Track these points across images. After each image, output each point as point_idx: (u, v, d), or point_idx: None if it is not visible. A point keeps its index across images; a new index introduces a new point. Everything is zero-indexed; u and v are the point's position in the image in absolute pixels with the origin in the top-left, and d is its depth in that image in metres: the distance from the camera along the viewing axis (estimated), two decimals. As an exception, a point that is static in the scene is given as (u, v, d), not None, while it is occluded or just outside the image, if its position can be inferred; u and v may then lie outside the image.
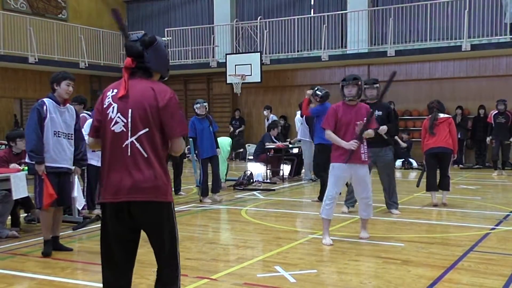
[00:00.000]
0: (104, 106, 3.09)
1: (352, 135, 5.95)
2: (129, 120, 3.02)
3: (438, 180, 8.69)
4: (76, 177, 5.96)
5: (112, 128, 3.04)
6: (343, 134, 5.96)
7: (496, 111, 13.18)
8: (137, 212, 3.04)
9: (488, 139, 13.41)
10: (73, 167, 5.89)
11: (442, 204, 8.67)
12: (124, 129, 3.03)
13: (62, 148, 5.68)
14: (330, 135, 6.03)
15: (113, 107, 3.05)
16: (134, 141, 3.02)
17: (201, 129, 9.22)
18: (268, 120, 15.60)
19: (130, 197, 2.99)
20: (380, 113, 7.55)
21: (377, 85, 7.66)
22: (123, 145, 3.02)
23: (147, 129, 3.02)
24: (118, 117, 3.04)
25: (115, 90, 3.10)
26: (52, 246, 5.78)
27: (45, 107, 5.57)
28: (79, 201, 6.33)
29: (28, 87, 17.93)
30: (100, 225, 3.20)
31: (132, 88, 3.07)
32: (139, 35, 3.16)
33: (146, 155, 3.02)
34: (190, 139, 9.35)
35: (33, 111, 5.59)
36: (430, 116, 8.81)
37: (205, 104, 9.41)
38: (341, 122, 5.98)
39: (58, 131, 5.63)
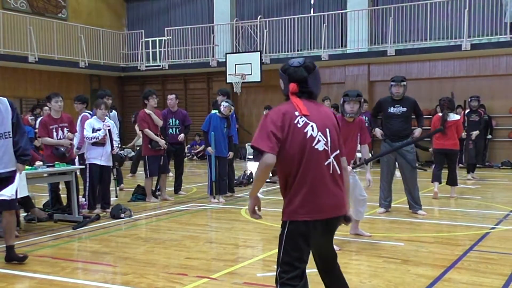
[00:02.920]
0: (298, 125, 3.08)
1: (349, 153, 5.88)
2: (328, 139, 3.14)
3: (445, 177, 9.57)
4: (18, 175, 5.33)
5: (316, 147, 3.09)
6: None
7: (469, 110, 12.35)
8: (332, 225, 3.22)
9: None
10: (14, 168, 5.28)
11: (451, 197, 9.39)
12: (326, 147, 3.13)
13: None
14: None
15: (312, 126, 3.11)
16: (333, 159, 3.15)
17: (215, 127, 9.15)
18: None
19: (335, 213, 3.16)
20: (405, 109, 7.61)
21: (405, 82, 7.69)
22: (326, 163, 3.12)
23: (338, 148, 3.21)
24: (320, 135, 3.12)
25: (297, 112, 3.12)
26: (8, 256, 5.34)
27: None
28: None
29: (28, 86, 17.93)
30: (285, 238, 3.11)
31: (314, 109, 3.17)
32: (300, 60, 3.23)
33: (339, 172, 3.19)
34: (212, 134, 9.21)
35: None
36: (441, 114, 9.33)
37: (232, 106, 9.33)
38: None
39: None
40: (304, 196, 3.07)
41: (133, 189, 9.79)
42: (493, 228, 6.93)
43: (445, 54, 15.83)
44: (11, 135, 5.18)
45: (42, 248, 6.00)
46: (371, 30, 17.41)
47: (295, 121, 3.09)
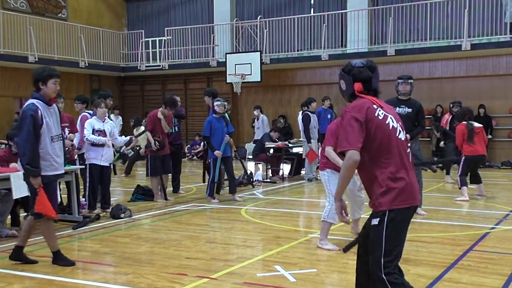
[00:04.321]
0: (380, 118, 3.22)
1: None
2: (403, 130, 3.33)
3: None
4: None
5: (399, 137, 3.27)
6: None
7: (452, 116, 11.88)
8: (414, 212, 3.32)
9: (441, 143, 12.27)
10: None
11: (481, 196, 9.56)
12: (405, 137, 3.33)
13: (58, 154, 5.30)
14: (330, 153, 5.80)
15: (391, 118, 3.27)
16: (409, 148, 3.33)
17: (216, 129, 9.14)
18: (258, 119, 15.50)
19: (419, 198, 3.35)
20: (410, 110, 7.57)
21: (411, 80, 7.64)
22: (407, 151, 3.31)
23: None
24: (400, 126, 3.30)
25: (374, 105, 3.24)
26: (16, 257, 5.37)
27: (39, 112, 5.06)
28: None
29: (28, 86, 17.83)
30: (388, 227, 3.17)
31: (383, 103, 3.32)
32: (362, 61, 3.37)
33: (410, 160, 3.33)
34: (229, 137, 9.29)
35: (27, 118, 5.01)
36: (465, 123, 9.39)
37: (225, 103, 9.33)
38: None
39: (54, 136, 5.24)
40: (402, 184, 3.19)
41: (133, 189, 9.79)
42: (493, 228, 6.93)
43: (445, 54, 15.82)
44: (62, 138, 5.45)
45: (42, 248, 5.99)
46: (371, 30, 17.40)
47: (376, 114, 3.22)
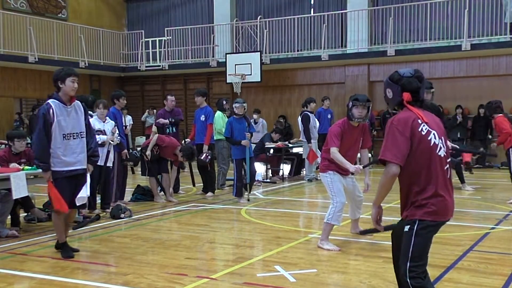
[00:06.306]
0: (422, 133, 3.24)
1: (351, 157, 5.93)
2: (445, 146, 3.34)
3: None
4: (88, 175, 5.79)
5: (439, 154, 3.28)
6: (343, 153, 5.82)
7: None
8: (442, 226, 3.39)
9: None
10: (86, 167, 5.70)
11: None
12: (445, 154, 3.33)
13: (73, 150, 5.50)
14: (335, 154, 5.78)
15: (434, 134, 3.27)
16: (448, 164, 3.34)
17: (237, 129, 9.15)
18: (256, 123, 15.34)
19: (452, 215, 3.38)
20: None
21: (433, 89, 7.43)
22: (445, 168, 3.31)
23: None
24: (440, 142, 3.30)
25: (419, 119, 3.26)
26: (64, 252, 5.61)
27: (51, 110, 5.36)
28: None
29: (28, 86, 17.94)
30: (416, 235, 3.27)
31: (429, 117, 3.32)
32: (410, 70, 3.37)
33: (449, 177, 3.35)
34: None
35: (39, 117, 5.40)
36: (502, 114, 9.24)
37: (244, 104, 9.33)
38: (344, 141, 5.86)
39: (68, 134, 5.46)
40: (436, 201, 3.26)
41: (133, 189, 9.79)
42: (493, 228, 6.93)
43: (445, 54, 15.82)
44: (84, 135, 5.63)
45: (42, 248, 6.00)
46: (371, 30, 17.40)
47: (419, 129, 3.24)
